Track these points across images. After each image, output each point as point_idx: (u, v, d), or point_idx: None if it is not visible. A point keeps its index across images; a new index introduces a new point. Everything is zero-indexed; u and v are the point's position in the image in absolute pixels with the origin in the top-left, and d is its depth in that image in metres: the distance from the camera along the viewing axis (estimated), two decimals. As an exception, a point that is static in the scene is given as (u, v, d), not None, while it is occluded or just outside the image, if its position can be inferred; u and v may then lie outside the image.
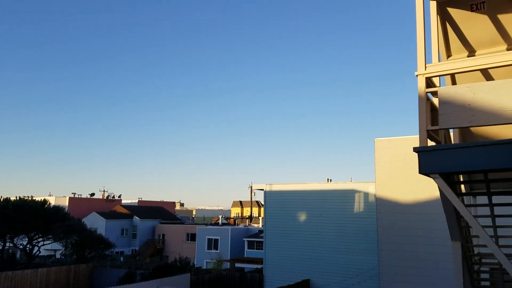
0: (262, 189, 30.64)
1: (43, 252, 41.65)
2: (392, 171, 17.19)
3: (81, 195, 67.13)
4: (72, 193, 65.82)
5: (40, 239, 34.02)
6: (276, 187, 30.04)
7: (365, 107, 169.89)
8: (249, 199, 77.39)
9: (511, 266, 5.08)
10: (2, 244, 33.13)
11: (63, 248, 35.98)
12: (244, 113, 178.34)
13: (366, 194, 26.56)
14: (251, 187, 69.08)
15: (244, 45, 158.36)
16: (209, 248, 49.01)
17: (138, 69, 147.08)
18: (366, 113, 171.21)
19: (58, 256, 47.41)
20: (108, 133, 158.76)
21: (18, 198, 34.19)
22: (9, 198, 33.77)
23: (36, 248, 34.23)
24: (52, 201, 53.83)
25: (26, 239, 33.62)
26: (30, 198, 34.86)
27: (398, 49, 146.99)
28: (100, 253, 35.02)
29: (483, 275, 7.44)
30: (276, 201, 29.81)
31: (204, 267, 43.82)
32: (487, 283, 7.55)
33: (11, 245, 34.69)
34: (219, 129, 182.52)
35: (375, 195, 18.81)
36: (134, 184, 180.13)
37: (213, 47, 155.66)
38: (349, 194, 27.21)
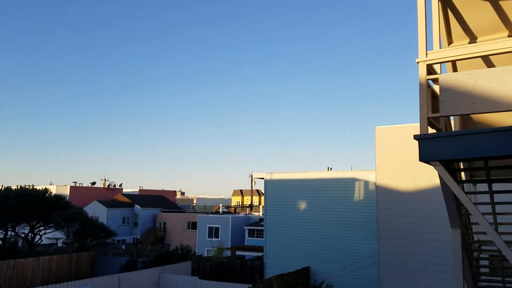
0: (263, 178, 30.69)
1: (44, 241, 41.89)
2: (392, 159, 17.21)
3: (82, 184, 67.31)
4: (73, 182, 65.98)
5: (42, 227, 34.18)
6: (277, 176, 30.09)
7: (366, 96, 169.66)
8: (250, 188, 77.60)
9: (510, 253, 5.10)
10: (3, 232, 33.30)
11: (65, 237, 36.15)
12: (245, 102, 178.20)
13: (366, 183, 26.62)
14: (252, 176, 69.25)
15: (246, 36, 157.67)
16: (210, 236, 49.28)
17: (137, 60, 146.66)
18: (367, 101, 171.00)
19: (59, 244, 47.68)
20: (108, 122, 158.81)
21: (19, 187, 34.27)
22: (10, 187, 33.86)
23: (37, 237, 34.40)
24: (53, 190, 53.98)
25: (28, 227, 33.77)
26: (31, 187, 34.95)
27: (399, 37, 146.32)
28: (102, 242, 35.18)
29: (482, 262, 7.49)
30: (276, 190, 29.88)
31: (205, 255, 44.10)
32: (487, 270, 7.59)
33: (12, 233, 34.86)
34: (220, 118, 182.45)
35: (375, 183, 18.85)
36: (135, 173, 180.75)
37: (216, 36, 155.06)
38: (349, 183, 27.27)
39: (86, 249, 33.12)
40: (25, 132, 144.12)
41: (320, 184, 28.21)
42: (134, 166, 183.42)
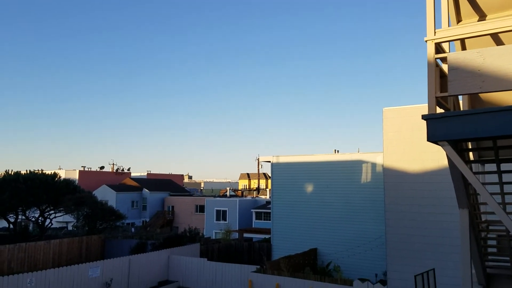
0: (269, 161, 30.77)
1: (55, 224, 42.41)
2: (400, 141, 17.13)
3: (90, 168, 67.73)
4: (82, 167, 66.39)
5: (52, 211, 34.57)
6: (283, 159, 30.13)
7: (373, 78, 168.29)
8: (257, 171, 77.79)
9: (518, 232, 5.09)
10: (14, 216, 33.74)
11: (75, 220, 36.58)
12: (252, 85, 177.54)
13: (373, 165, 26.59)
14: (258, 159, 69.38)
15: (249, 17, 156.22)
16: (217, 219, 49.66)
17: (144, 44, 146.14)
18: (374, 83, 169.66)
19: (70, 228, 48.29)
20: (116, 106, 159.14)
21: (28, 171, 34.58)
22: (20, 171, 34.18)
23: (48, 221, 34.82)
24: (62, 174, 54.49)
25: (38, 211, 34.17)
26: (40, 172, 35.26)
27: (407, 17, 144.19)
28: (112, 225, 35.55)
29: (490, 242, 7.49)
30: (283, 173, 29.96)
31: (213, 238, 44.50)
32: (494, 250, 7.60)
33: (23, 217, 35.31)
34: (227, 102, 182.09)
35: (382, 165, 18.82)
36: (142, 157, 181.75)
37: (222, 20, 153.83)
38: (356, 165, 27.25)
39: (96, 232, 33.53)
40: (34, 117, 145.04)
41: (327, 167, 28.22)
42: (142, 150, 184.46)
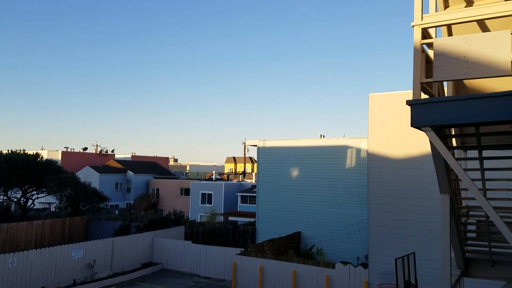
0: (256, 145, 30.77)
1: (37, 205, 41.99)
2: (385, 127, 17.24)
3: (73, 149, 66.92)
4: (65, 147, 65.57)
5: (34, 192, 34.19)
6: (270, 143, 30.15)
7: (360, 63, 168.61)
8: (243, 155, 77.88)
9: (498, 218, 5.18)
10: (-4, 197, 33.36)
11: (58, 201, 36.25)
12: (239, 70, 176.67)
13: (358, 150, 26.78)
14: (245, 143, 69.38)
15: (240, 5, 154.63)
16: (203, 202, 49.67)
17: (133, 27, 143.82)
18: (361, 68, 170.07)
19: (52, 209, 47.87)
20: (100, 88, 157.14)
21: (10, 151, 34.06)
22: (1, 151, 33.67)
23: (30, 201, 34.46)
24: (45, 155, 53.79)
25: (20, 192, 33.77)
26: (22, 152, 34.75)
27: (394, 2, 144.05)
28: (95, 206, 35.34)
29: (469, 227, 7.62)
30: (269, 157, 30.01)
31: (198, 221, 44.57)
32: (473, 235, 7.74)
33: (5, 198, 34.88)
34: (214, 86, 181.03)
35: (367, 150, 18.96)
36: (127, 139, 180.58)
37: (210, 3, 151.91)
38: (341, 150, 27.42)
39: (79, 213, 33.30)
40: (16, 97, 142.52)
41: (313, 152, 28.34)
42: (126, 132, 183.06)
